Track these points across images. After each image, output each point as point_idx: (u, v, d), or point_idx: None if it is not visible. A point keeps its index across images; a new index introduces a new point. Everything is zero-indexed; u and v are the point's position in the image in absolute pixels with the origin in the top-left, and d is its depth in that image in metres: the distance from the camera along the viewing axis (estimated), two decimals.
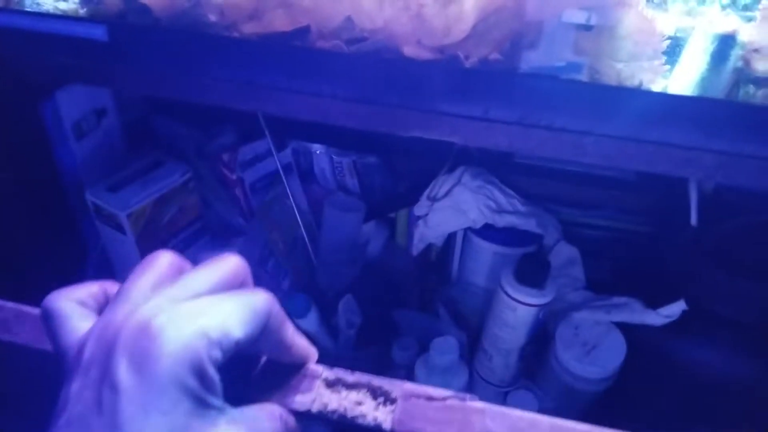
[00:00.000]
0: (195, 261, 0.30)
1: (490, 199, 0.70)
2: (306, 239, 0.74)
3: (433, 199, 0.70)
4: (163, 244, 0.64)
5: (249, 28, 0.49)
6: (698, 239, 0.62)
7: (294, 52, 0.47)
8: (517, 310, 0.60)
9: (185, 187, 0.64)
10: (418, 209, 0.71)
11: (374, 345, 0.74)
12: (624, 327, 0.63)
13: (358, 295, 0.73)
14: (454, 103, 0.45)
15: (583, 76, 0.44)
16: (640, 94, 0.43)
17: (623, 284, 0.70)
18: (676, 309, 0.58)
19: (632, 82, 0.43)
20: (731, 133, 0.42)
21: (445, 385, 0.67)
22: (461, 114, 0.45)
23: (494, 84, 0.44)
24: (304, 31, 0.47)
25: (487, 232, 0.70)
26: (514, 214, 0.70)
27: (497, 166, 0.74)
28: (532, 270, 0.59)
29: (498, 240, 0.70)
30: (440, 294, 0.75)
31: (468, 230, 0.72)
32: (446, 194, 0.69)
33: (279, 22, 0.48)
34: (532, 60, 0.45)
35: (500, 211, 0.70)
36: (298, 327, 0.70)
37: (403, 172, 0.79)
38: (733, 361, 0.58)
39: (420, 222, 0.71)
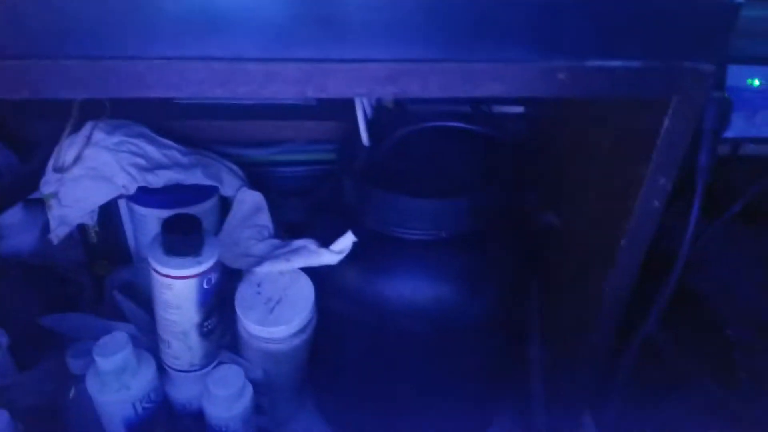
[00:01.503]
0: None
1: (139, 156, 0.57)
2: None
3: (61, 170, 0.56)
4: None
5: None
6: (368, 160, 0.56)
7: None
8: (174, 286, 0.49)
9: None
10: (45, 186, 0.56)
11: (44, 360, 0.60)
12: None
13: (6, 306, 0.57)
14: None
15: None
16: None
17: (319, 222, 0.63)
18: (345, 243, 0.51)
19: None
20: (315, 35, 0.33)
21: (124, 389, 0.56)
22: None
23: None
24: None
25: (147, 196, 0.58)
26: (173, 168, 0.58)
27: (152, 112, 0.62)
28: (179, 236, 0.49)
29: (162, 203, 0.58)
30: (114, 280, 0.62)
31: (126, 198, 0.59)
32: (76, 161, 0.55)
33: None
34: None
35: (155, 167, 0.57)
36: None
37: (31, 142, 0.62)
38: (417, 281, 0.54)
39: (53, 201, 0.56)
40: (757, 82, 0.46)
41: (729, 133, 0.48)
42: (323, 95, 0.35)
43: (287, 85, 0.35)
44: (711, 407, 0.63)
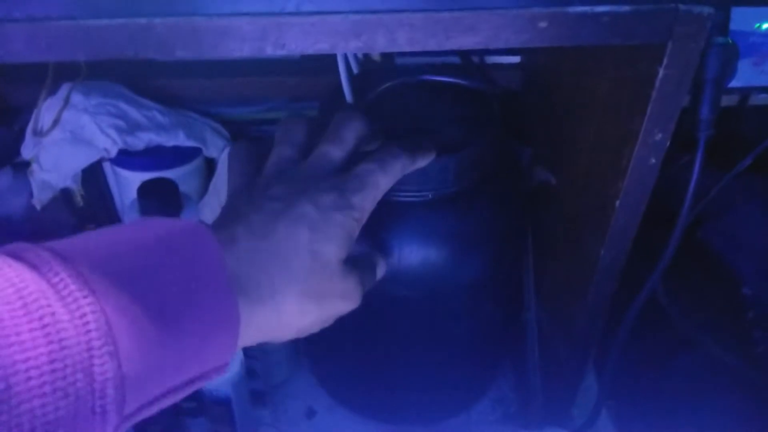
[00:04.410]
0: None
1: (119, 118, 0.55)
2: None
3: (40, 134, 0.54)
4: None
5: None
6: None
7: None
8: None
9: None
10: (25, 150, 0.55)
11: None
12: None
13: None
14: None
15: None
16: None
17: None
18: None
19: None
20: None
21: None
22: None
23: None
24: None
25: (129, 158, 0.56)
26: (154, 129, 0.56)
27: (130, 72, 0.59)
28: (155, 201, 0.47)
29: (144, 166, 0.57)
30: None
31: (110, 161, 0.58)
32: (54, 124, 0.54)
33: None
34: None
35: (135, 129, 0.56)
36: None
37: (13, 107, 0.61)
38: (403, 245, 0.52)
39: (34, 166, 0.55)
40: (765, 26, 0.42)
41: (736, 83, 0.45)
42: (282, 52, 0.33)
43: (242, 42, 0.32)
44: (720, 373, 0.60)
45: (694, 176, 0.42)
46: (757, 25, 0.42)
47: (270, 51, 0.33)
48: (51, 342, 0.23)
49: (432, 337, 0.59)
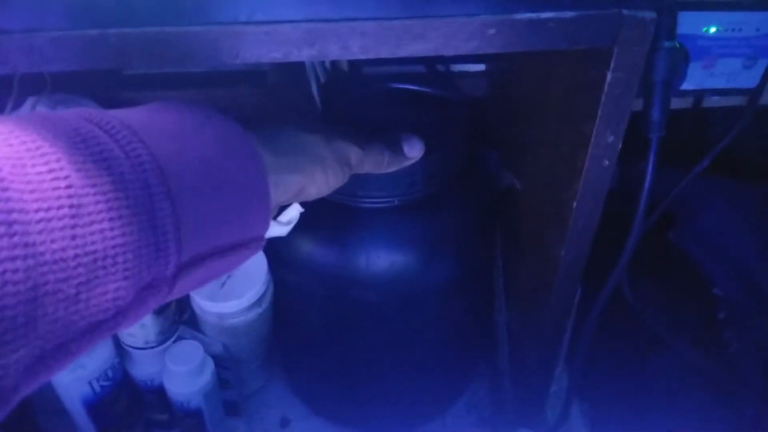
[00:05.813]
0: None
1: None
2: None
3: None
4: None
5: None
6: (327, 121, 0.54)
7: None
8: None
9: None
10: None
11: None
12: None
13: None
14: None
15: None
16: None
17: None
18: (292, 213, 0.49)
19: None
20: None
21: (79, 367, 0.55)
22: None
23: None
24: None
25: None
26: None
27: (96, 84, 0.60)
28: None
29: None
30: None
31: None
32: None
33: None
34: None
35: None
36: None
37: None
38: (371, 251, 0.52)
39: None
40: (713, 30, 0.43)
41: (688, 85, 0.46)
42: (237, 61, 0.33)
43: (196, 52, 0.33)
44: (691, 373, 0.61)
45: (648, 176, 0.43)
46: (705, 28, 0.43)
47: (224, 61, 0.33)
48: (112, 174, 0.24)
49: (405, 343, 0.60)
